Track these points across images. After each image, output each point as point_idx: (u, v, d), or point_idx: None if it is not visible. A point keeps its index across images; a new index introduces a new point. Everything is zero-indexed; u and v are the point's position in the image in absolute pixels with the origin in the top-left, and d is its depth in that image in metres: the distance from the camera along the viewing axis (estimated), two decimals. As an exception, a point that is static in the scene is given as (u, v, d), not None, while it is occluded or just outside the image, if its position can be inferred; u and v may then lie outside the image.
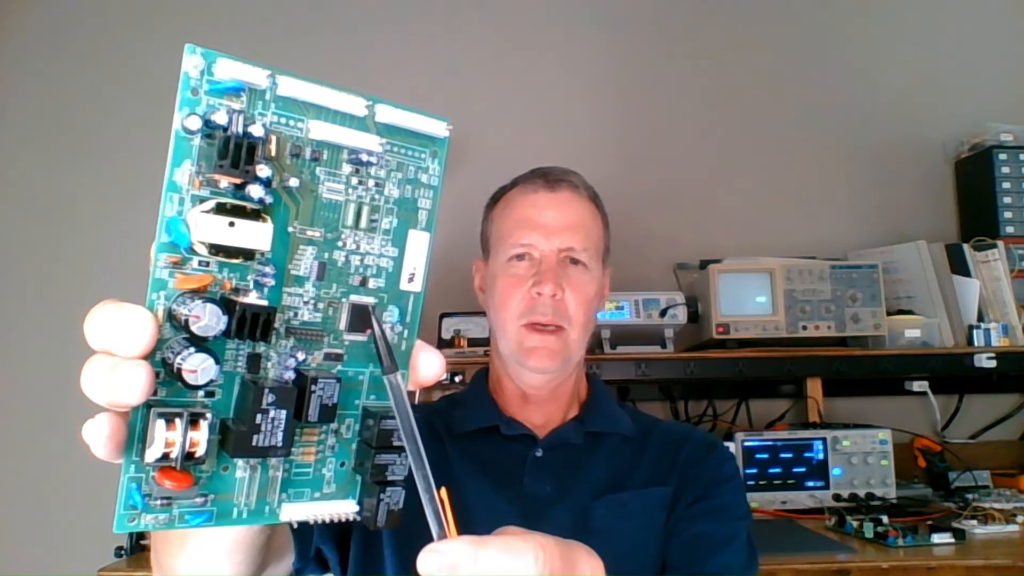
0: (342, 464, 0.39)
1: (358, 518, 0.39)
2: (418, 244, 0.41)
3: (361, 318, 0.39)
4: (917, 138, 1.87)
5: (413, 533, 0.82)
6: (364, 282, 0.39)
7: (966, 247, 1.63)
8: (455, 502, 0.84)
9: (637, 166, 1.81)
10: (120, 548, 1.33)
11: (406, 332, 0.41)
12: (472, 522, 0.83)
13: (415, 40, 1.84)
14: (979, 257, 1.62)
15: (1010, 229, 1.69)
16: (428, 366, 0.42)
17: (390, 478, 0.38)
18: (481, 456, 0.85)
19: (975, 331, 1.56)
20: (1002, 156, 1.71)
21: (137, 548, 1.33)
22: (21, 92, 1.79)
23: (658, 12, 1.89)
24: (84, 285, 1.66)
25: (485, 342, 1.48)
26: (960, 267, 1.61)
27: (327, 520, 0.38)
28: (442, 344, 1.50)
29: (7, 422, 1.69)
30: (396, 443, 0.38)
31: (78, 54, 1.80)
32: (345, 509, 0.39)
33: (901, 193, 1.85)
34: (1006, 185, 1.70)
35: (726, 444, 1.47)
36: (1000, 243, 1.63)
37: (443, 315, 1.53)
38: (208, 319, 0.32)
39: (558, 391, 0.89)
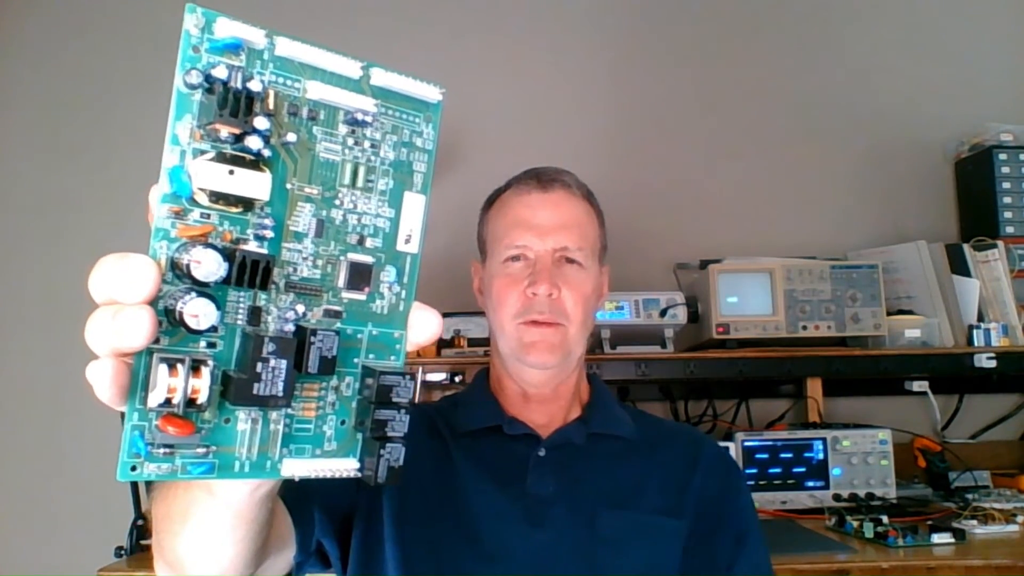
0: (343, 422, 0.40)
1: (359, 475, 0.40)
2: (414, 206, 0.42)
3: (360, 276, 0.40)
4: (917, 138, 1.87)
5: (417, 530, 0.82)
6: (362, 241, 0.40)
7: (966, 247, 1.63)
8: (459, 501, 0.85)
9: (637, 166, 1.81)
10: (120, 548, 1.33)
11: (403, 293, 0.42)
12: (476, 521, 0.84)
13: (410, 41, 1.84)
14: (979, 257, 1.62)
15: (1010, 229, 1.69)
16: (424, 327, 0.42)
17: (390, 434, 0.39)
18: (484, 455, 0.85)
19: (975, 331, 1.56)
20: (1002, 156, 1.71)
21: (137, 548, 1.33)
22: (21, 90, 1.79)
23: (658, 12, 1.90)
24: (85, 284, 1.66)
25: (485, 342, 1.48)
26: (960, 267, 1.61)
27: (328, 476, 0.39)
28: (442, 344, 1.50)
29: (8, 422, 1.69)
30: (396, 399, 0.39)
31: (78, 51, 1.80)
32: (346, 466, 0.39)
33: (901, 193, 1.85)
34: (1006, 185, 1.70)
35: (726, 444, 1.48)
36: (1000, 243, 1.63)
37: (443, 315, 1.53)
38: (209, 264, 0.33)
39: (559, 390, 0.89)
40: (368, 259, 0.40)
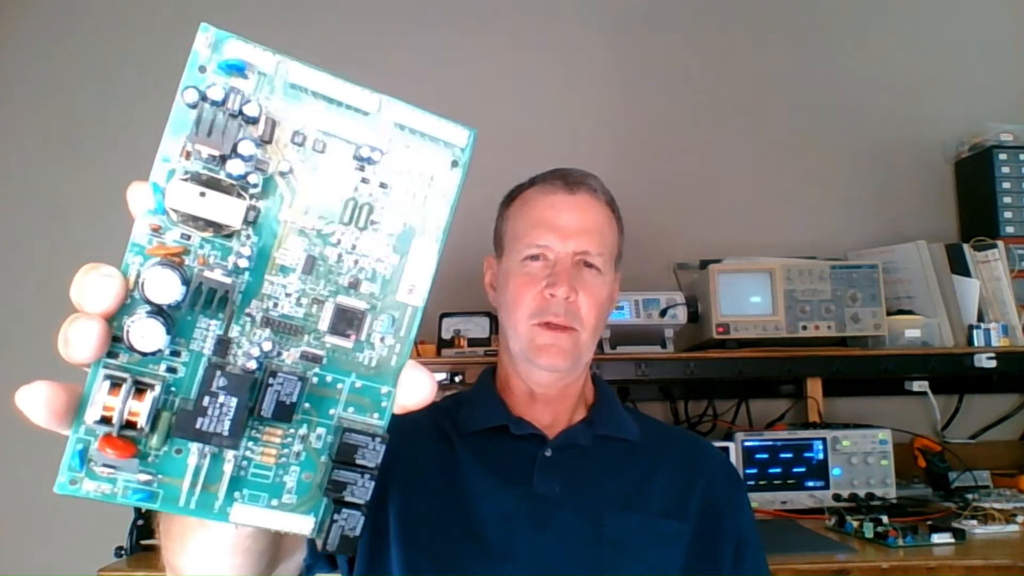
0: (307, 476, 0.37)
1: (311, 536, 0.37)
2: (423, 255, 0.38)
3: (346, 321, 0.37)
4: (917, 138, 1.87)
5: (422, 531, 0.82)
6: (356, 284, 0.37)
7: (966, 247, 1.63)
8: (465, 501, 0.84)
9: (637, 166, 1.81)
10: (120, 548, 1.32)
11: (398, 347, 0.38)
12: (481, 521, 0.84)
13: (418, 40, 1.84)
14: (979, 257, 1.62)
15: (1010, 229, 1.69)
16: (414, 388, 0.39)
17: (347, 499, 0.36)
18: (490, 455, 0.85)
19: (975, 331, 1.56)
20: (1002, 156, 1.71)
21: (137, 548, 1.32)
22: (20, 90, 1.79)
23: (659, 13, 1.89)
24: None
25: (485, 342, 1.48)
26: (960, 267, 1.61)
27: (278, 530, 0.37)
28: (442, 344, 1.50)
29: (7, 422, 1.69)
30: (360, 461, 0.36)
31: (78, 50, 1.80)
32: (300, 525, 0.37)
33: (901, 193, 1.85)
34: (1006, 185, 1.70)
35: (726, 444, 1.48)
36: (1000, 243, 1.63)
37: (443, 315, 1.53)
38: (161, 284, 0.32)
39: (566, 391, 0.89)
40: (359, 304, 0.37)
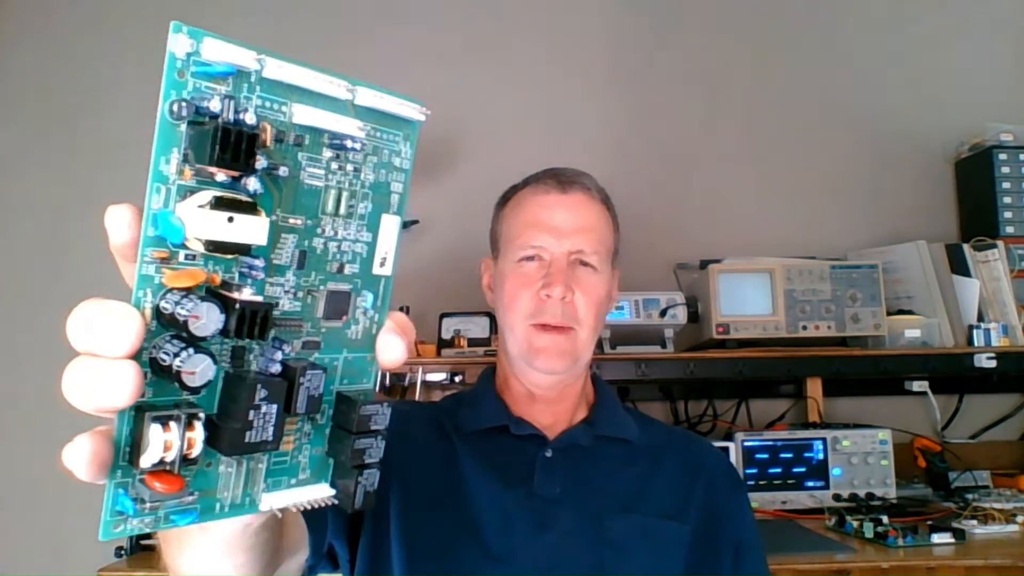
0: (316, 450, 0.39)
1: (335, 502, 0.39)
2: (390, 228, 0.40)
3: (339, 305, 0.39)
4: (917, 138, 1.87)
5: (421, 530, 0.82)
6: (341, 269, 0.39)
7: (966, 247, 1.63)
8: (465, 501, 0.84)
9: (637, 166, 1.81)
10: (120, 548, 1.33)
11: (377, 316, 0.41)
12: (482, 521, 0.83)
13: (414, 39, 1.84)
14: (979, 257, 1.62)
15: (1010, 229, 1.69)
16: (387, 352, 0.41)
17: (367, 461, 0.38)
18: (491, 455, 0.85)
19: (975, 331, 1.56)
20: (1002, 156, 1.71)
21: (137, 548, 1.33)
22: (24, 94, 1.79)
23: (659, 12, 1.90)
24: (90, 287, 1.66)
25: (485, 342, 1.48)
26: (960, 267, 1.61)
27: (306, 507, 0.38)
28: (442, 344, 1.50)
29: (8, 422, 1.69)
30: (374, 427, 0.38)
31: (78, 52, 1.80)
32: (321, 494, 0.39)
33: (901, 193, 1.85)
34: (1006, 185, 1.71)
35: (726, 444, 1.48)
36: (1000, 243, 1.63)
37: (443, 315, 1.53)
38: (207, 318, 0.31)
39: (566, 392, 0.89)
40: (346, 287, 0.39)
